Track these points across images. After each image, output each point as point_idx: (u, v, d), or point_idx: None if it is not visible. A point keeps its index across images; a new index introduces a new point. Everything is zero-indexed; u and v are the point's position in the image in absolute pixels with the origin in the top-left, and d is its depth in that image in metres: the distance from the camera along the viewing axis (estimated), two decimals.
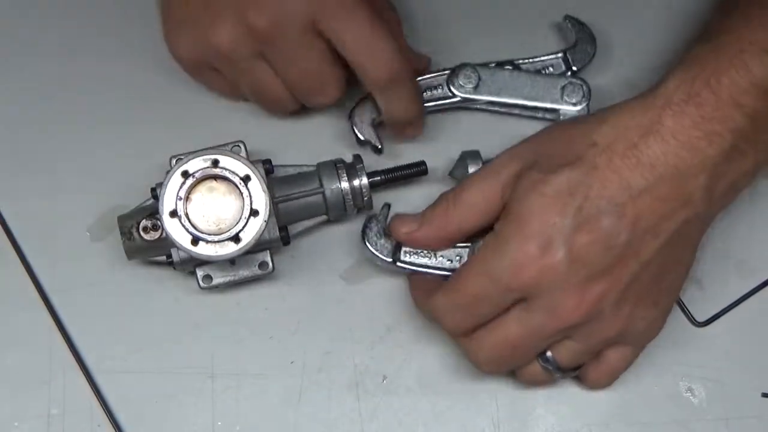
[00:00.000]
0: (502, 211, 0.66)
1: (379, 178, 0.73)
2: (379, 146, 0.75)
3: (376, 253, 0.71)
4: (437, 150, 0.76)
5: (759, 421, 0.72)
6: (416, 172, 0.74)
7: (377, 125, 0.75)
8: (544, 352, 0.67)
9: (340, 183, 0.71)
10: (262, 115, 0.76)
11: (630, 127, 0.63)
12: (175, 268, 0.70)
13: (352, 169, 0.72)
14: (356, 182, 0.71)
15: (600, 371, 0.69)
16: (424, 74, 0.75)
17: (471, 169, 0.72)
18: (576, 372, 0.69)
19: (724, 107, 0.62)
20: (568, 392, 0.72)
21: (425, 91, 0.76)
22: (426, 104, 0.75)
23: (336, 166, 0.71)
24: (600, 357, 0.69)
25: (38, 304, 0.73)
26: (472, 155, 0.73)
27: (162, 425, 0.71)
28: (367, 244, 0.71)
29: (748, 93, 0.62)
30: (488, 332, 0.66)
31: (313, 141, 0.76)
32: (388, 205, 0.72)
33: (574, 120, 0.68)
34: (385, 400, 0.72)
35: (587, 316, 0.64)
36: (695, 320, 0.73)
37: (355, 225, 0.74)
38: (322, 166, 0.72)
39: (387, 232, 0.71)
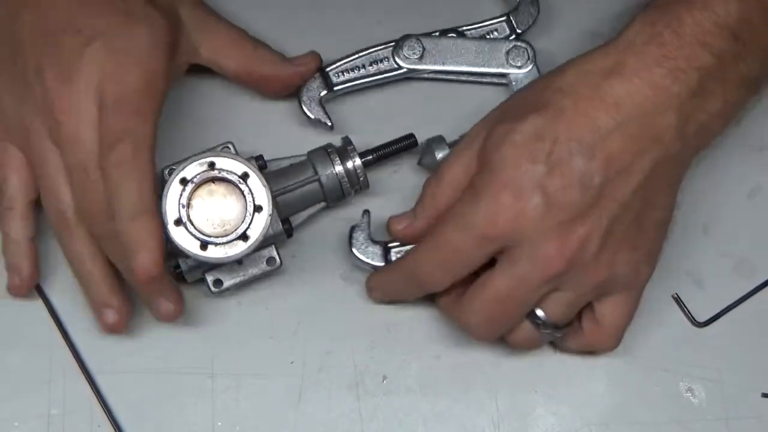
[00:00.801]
0: (480, 165, 0.66)
1: (371, 156, 0.73)
2: (329, 123, 0.75)
3: (367, 260, 0.71)
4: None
5: (759, 421, 0.72)
6: (406, 145, 0.74)
7: (325, 102, 0.75)
8: (533, 312, 0.66)
9: (333, 168, 0.71)
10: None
11: (593, 71, 0.64)
12: (186, 280, 0.70)
13: (344, 151, 0.72)
14: (349, 164, 0.72)
15: (602, 332, 0.69)
16: (316, 71, 0.75)
17: (438, 155, 0.72)
18: (566, 329, 0.68)
19: (687, 46, 0.63)
20: (568, 392, 0.72)
21: (371, 64, 0.76)
22: (373, 77, 0.76)
23: (327, 152, 0.72)
24: (596, 316, 0.68)
25: (38, 304, 0.72)
26: (437, 141, 0.73)
27: (162, 425, 0.71)
28: (356, 253, 0.71)
29: (712, 33, 0.63)
30: (475, 293, 0.66)
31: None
32: (367, 212, 0.72)
33: (538, 77, 0.68)
34: (385, 400, 0.72)
35: (571, 261, 0.63)
36: (695, 320, 0.73)
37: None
38: (313, 154, 0.72)
39: (373, 239, 0.71)
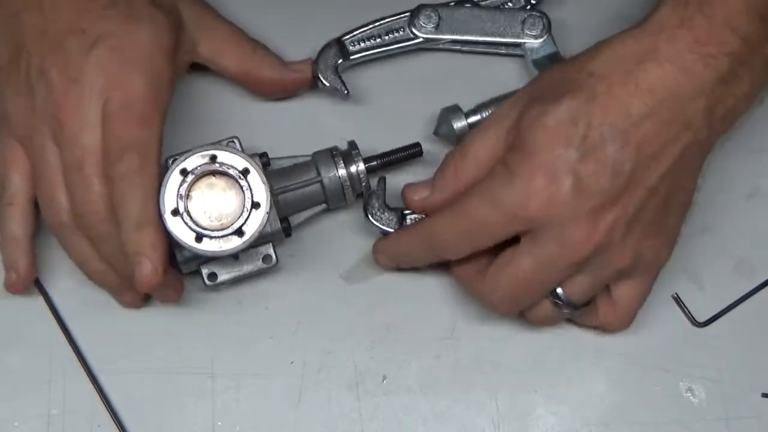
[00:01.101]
0: (512, 144, 0.66)
1: (375, 162, 0.73)
2: (346, 91, 0.75)
3: (382, 226, 0.72)
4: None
5: (759, 421, 0.72)
6: (411, 154, 0.74)
7: (341, 71, 0.76)
8: (554, 291, 0.67)
9: (337, 171, 0.71)
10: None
11: (625, 56, 0.64)
12: (181, 271, 0.70)
13: (348, 156, 0.72)
14: (353, 168, 0.72)
15: (617, 313, 0.69)
16: (313, 78, 0.75)
17: (455, 124, 0.73)
18: (584, 308, 0.69)
19: (717, 31, 0.63)
20: (568, 392, 0.72)
21: (387, 33, 0.76)
22: (389, 47, 0.76)
23: (332, 154, 0.72)
24: (612, 297, 0.69)
25: (38, 304, 0.73)
26: (453, 110, 0.74)
27: (162, 425, 0.71)
28: (372, 219, 0.72)
29: (741, 15, 0.63)
30: (499, 271, 0.66)
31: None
32: (383, 178, 0.72)
33: (569, 58, 0.69)
34: (385, 400, 0.72)
35: (598, 246, 0.64)
36: (695, 320, 0.73)
37: (356, 224, 0.74)
38: (318, 156, 0.72)
39: (388, 205, 0.72)
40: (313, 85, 0.76)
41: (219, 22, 0.74)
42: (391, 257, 0.72)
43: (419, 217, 0.71)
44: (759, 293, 0.74)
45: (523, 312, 0.70)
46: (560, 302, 0.67)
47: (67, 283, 0.73)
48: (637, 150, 0.63)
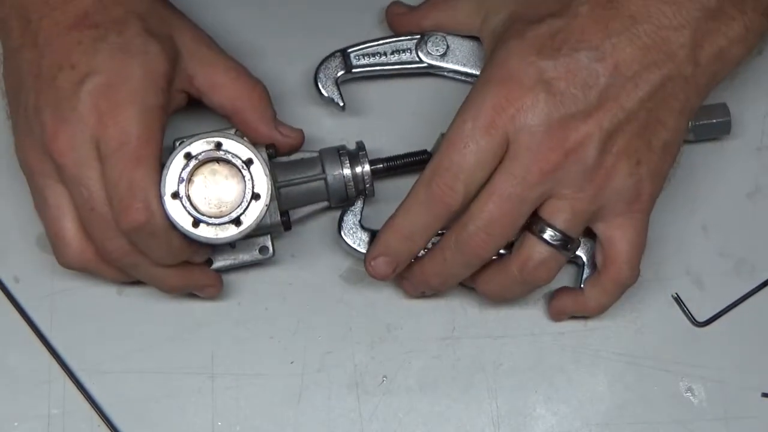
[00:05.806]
0: (489, 57, 0.67)
1: (381, 165, 0.73)
2: (342, 104, 0.75)
3: (354, 245, 0.71)
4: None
5: (759, 421, 0.72)
6: (418, 160, 0.74)
7: (341, 82, 0.75)
8: (539, 223, 0.66)
9: (342, 169, 0.71)
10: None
11: None
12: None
13: (355, 156, 0.72)
14: (358, 169, 0.72)
15: (615, 260, 0.68)
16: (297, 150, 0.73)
17: None
18: (576, 245, 0.67)
19: None
20: (568, 392, 0.72)
21: (393, 53, 0.76)
22: (392, 66, 0.76)
23: (339, 153, 0.72)
24: (603, 242, 0.68)
25: (36, 303, 0.73)
26: None
27: (162, 425, 0.71)
28: (344, 237, 0.71)
29: None
30: (479, 198, 0.65)
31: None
32: (363, 198, 0.72)
33: None
34: (385, 400, 0.72)
35: (569, 154, 0.64)
36: (695, 320, 0.73)
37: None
38: (324, 152, 0.72)
39: (363, 225, 0.71)
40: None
41: (217, 54, 0.70)
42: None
43: None
44: (759, 293, 0.74)
45: (516, 266, 0.67)
46: (548, 233, 0.65)
47: (66, 284, 0.73)
48: (613, 67, 0.63)
